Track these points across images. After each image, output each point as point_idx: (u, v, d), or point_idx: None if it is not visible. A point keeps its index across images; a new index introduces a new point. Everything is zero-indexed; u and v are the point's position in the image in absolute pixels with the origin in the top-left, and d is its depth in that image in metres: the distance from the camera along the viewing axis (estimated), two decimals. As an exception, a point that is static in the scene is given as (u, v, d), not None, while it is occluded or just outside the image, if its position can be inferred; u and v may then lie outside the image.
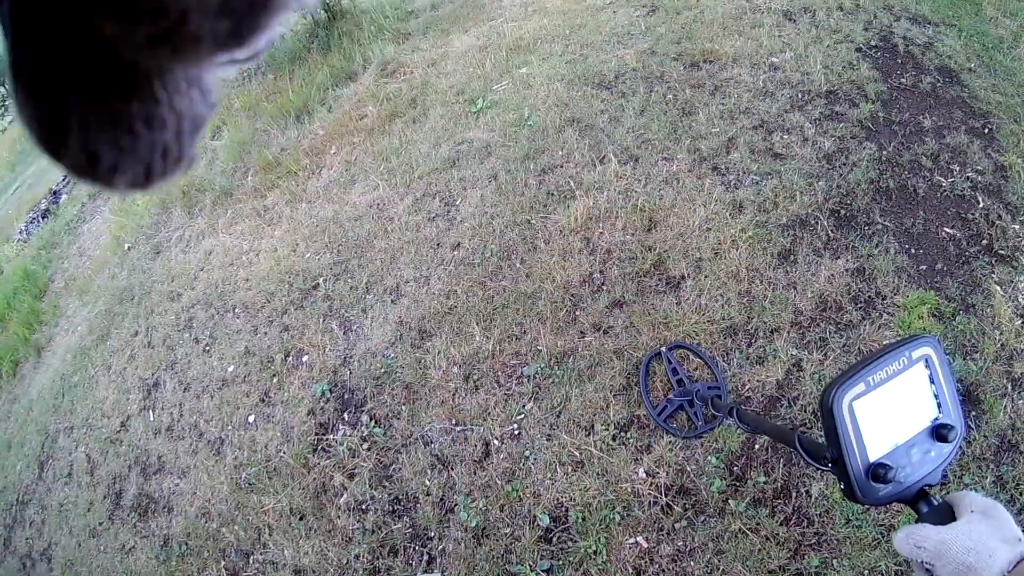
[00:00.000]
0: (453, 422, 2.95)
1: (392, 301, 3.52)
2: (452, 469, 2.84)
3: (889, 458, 0.85)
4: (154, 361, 4.22)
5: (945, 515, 0.82)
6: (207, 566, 3.09)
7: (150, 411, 3.97)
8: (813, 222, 3.13)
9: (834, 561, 2.31)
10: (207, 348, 4.01)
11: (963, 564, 0.77)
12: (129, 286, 5.01)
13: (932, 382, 0.87)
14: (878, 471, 0.82)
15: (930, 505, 0.84)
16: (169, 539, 3.32)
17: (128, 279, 5.10)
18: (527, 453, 2.77)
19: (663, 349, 2.84)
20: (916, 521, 0.84)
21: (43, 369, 5.15)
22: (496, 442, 2.85)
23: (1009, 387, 2.58)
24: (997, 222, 3.03)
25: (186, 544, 3.23)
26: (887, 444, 0.85)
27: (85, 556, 3.59)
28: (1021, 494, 2.35)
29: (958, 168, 3.25)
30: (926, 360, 0.87)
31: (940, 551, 0.79)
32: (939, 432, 0.85)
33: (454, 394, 3.03)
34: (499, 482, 2.74)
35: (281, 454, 3.23)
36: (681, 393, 2.70)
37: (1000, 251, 2.95)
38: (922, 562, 0.81)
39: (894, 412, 0.85)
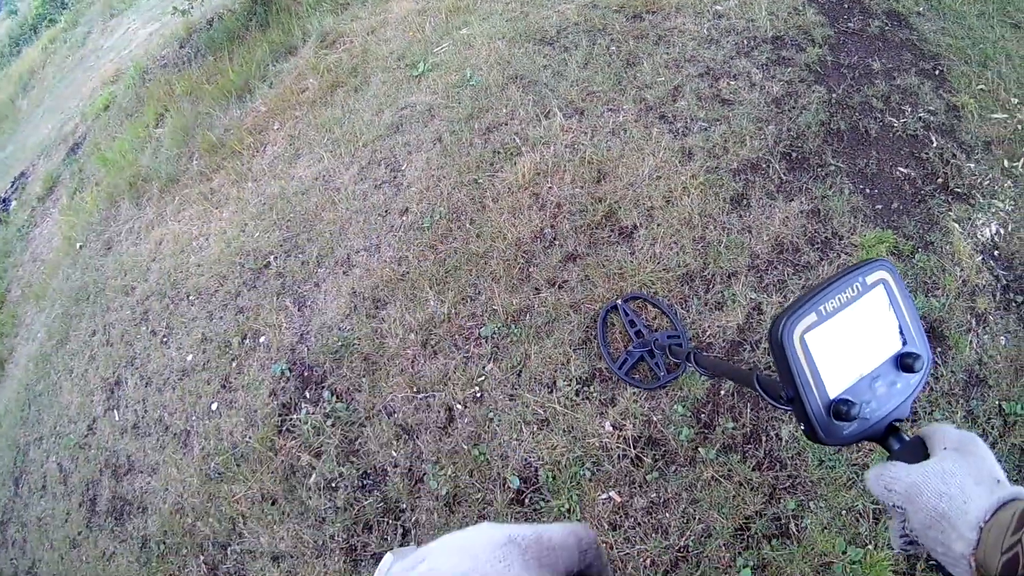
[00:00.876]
0: (414, 390, 2.89)
1: (344, 272, 3.43)
2: (417, 438, 2.79)
3: (851, 393, 0.76)
4: (114, 359, 4.12)
5: (919, 452, 0.75)
6: (187, 563, 3.04)
7: (115, 411, 3.88)
8: (765, 166, 3.08)
9: (811, 503, 2.30)
10: (165, 340, 3.91)
11: (935, 511, 0.69)
12: (84, 285, 4.88)
13: (892, 308, 0.79)
14: (840, 408, 0.74)
15: (902, 441, 0.77)
16: (147, 540, 3.26)
17: (82, 278, 4.97)
18: (491, 415, 2.72)
19: (619, 301, 2.79)
20: (888, 459, 0.77)
21: (7, 382, 5.04)
22: (459, 407, 2.79)
23: (973, 322, 2.57)
24: (952, 161, 3.00)
25: (164, 543, 3.17)
26: (848, 378, 0.77)
27: (68, 569, 3.52)
28: (993, 428, 2.35)
29: (910, 109, 3.21)
30: (883, 284, 0.78)
31: (910, 495, 0.72)
32: (904, 362, 0.77)
33: (413, 361, 2.96)
34: (465, 447, 2.69)
35: (247, 439, 3.15)
36: (640, 344, 2.65)
37: (956, 189, 2.92)
38: (894, 505, 0.74)
39: (852, 343, 0.76)
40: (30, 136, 9.10)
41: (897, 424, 0.78)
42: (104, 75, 8.13)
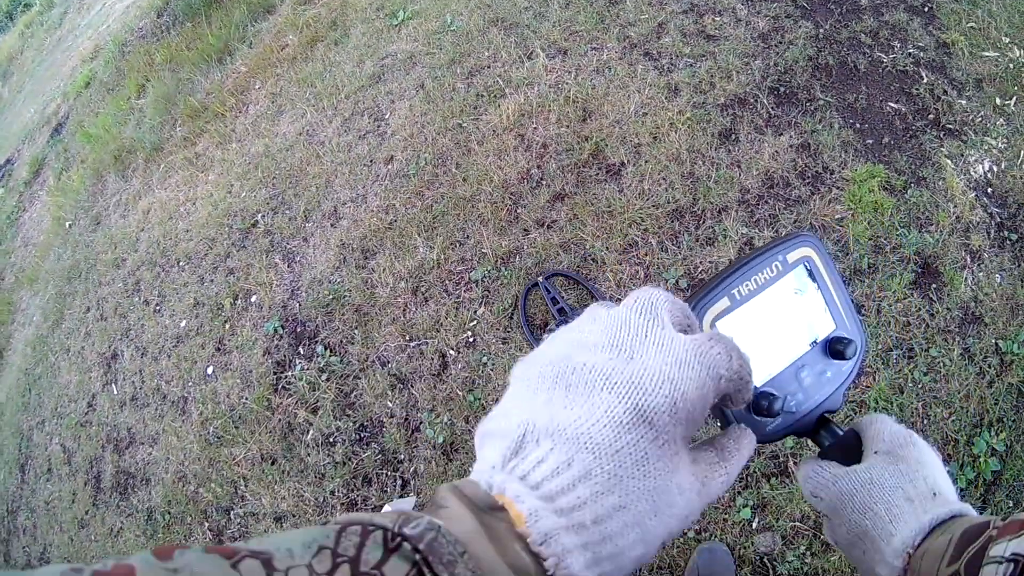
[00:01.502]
0: (407, 338, 2.84)
1: (332, 225, 3.37)
2: (412, 387, 2.74)
3: (773, 385, 0.66)
4: (109, 333, 4.08)
5: (853, 448, 0.69)
6: (192, 531, 3.02)
7: (113, 384, 3.85)
8: (752, 100, 2.99)
9: (807, 441, 2.23)
10: (158, 308, 3.87)
11: (858, 527, 0.61)
12: (75, 263, 4.83)
13: (818, 289, 0.69)
14: (760, 402, 0.62)
15: (834, 436, 0.69)
16: (152, 511, 3.24)
17: (73, 256, 4.92)
18: (484, 360, 2.67)
19: (540, 279, 2.71)
20: (819, 455, 0.71)
21: (7, 369, 5.02)
22: (452, 352, 2.74)
23: (968, 259, 2.50)
24: (943, 97, 2.90)
25: (169, 513, 3.15)
26: (769, 369, 0.66)
27: (79, 550, 3.51)
28: (990, 367, 2.28)
29: (899, 45, 3.10)
30: (806, 263, 0.68)
31: (835, 506, 0.64)
32: (834, 348, 0.67)
33: (404, 310, 2.91)
34: (460, 393, 2.65)
35: (244, 401, 3.12)
36: (562, 322, 2.56)
37: (948, 126, 2.83)
38: (822, 512, 0.68)
39: (773, 330, 0.66)
40: (13, 123, 8.98)
41: (829, 416, 0.70)
42: (83, 53, 7.99)
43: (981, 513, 0.60)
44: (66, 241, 5.19)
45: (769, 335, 0.66)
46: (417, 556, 0.34)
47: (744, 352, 0.46)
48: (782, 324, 0.67)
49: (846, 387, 0.69)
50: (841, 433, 0.69)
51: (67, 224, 5.34)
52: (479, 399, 2.60)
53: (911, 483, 0.61)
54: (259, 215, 3.71)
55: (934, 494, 0.60)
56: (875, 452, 0.65)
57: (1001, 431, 2.18)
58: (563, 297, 2.66)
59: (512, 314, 2.71)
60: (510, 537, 0.36)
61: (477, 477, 0.40)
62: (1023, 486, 2.09)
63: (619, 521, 0.37)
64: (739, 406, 0.49)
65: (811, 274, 0.68)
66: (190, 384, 3.41)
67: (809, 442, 0.71)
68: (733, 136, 2.91)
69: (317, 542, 0.33)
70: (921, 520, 0.57)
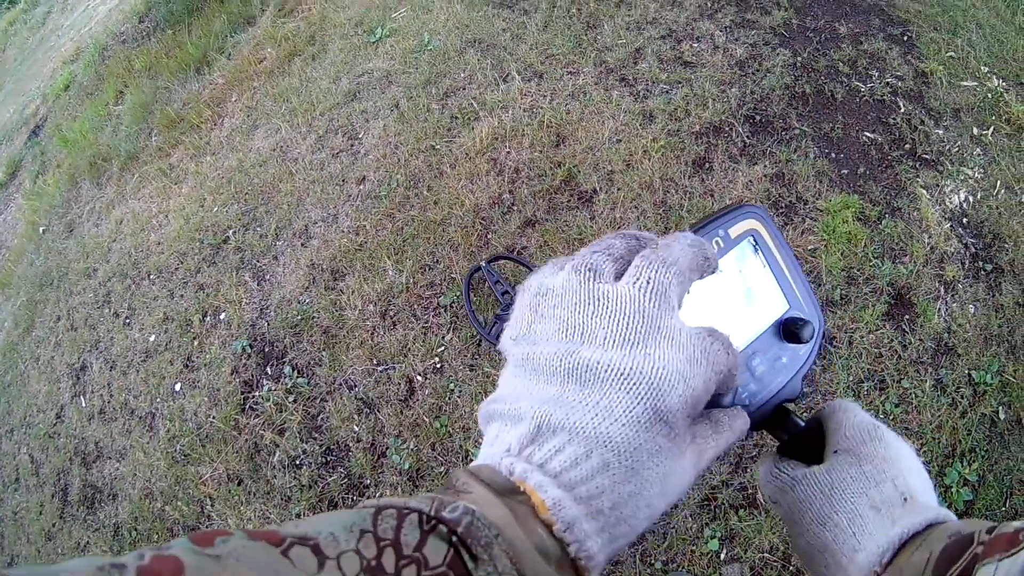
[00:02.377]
0: (374, 362, 2.82)
1: (302, 244, 3.34)
2: (379, 411, 2.72)
3: None
4: (79, 344, 4.02)
5: (816, 441, 0.61)
6: (158, 549, 2.98)
7: (82, 397, 3.78)
8: (727, 129, 3.00)
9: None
10: (127, 321, 3.81)
11: (817, 539, 0.53)
12: (47, 270, 4.75)
13: (766, 265, 0.60)
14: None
15: (795, 427, 0.59)
16: (119, 527, 3.19)
17: (45, 263, 4.84)
18: (451, 386, 2.65)
19: (482, 263, 2.68)
20: (778, 450, 0.63)
21: (-22, 378, 4.93)
22: (419, 378, 2.72)
23: (942, 290, 2.51)
24: (920, 127, 2.92)
25: (135, 529, 3.10)
26: None
27: (46, 562, 3.42)
28: (963, 398, 2.29)
29: (877, 74, 3.12)
30: (752, 237, 0.60)
31: (793, 515, 0.57)
32: (788, 330, 0.59)
33: (372, 333, 2.89)
34: (427, 419, 2.63)
35: (211, 419, 3.08)
36: (508, 305, 2.54)
37: (924, 155, 2.85)
38: (782, 518, 0.60)
39: (718, 314, 0.58)
40: (-8, 123, 8.86)
41: (788, 406, 0.60)
42: (64, 54, 7.88)
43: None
44: (39, 247, 5.11)
45: (713, 320, 0.53)
46: (454, 538, 0.35)
47: (735, 346, 0.45)
48: (727, 307, 0.59)
49: (804, 373, 0.61)
50: (802, 424, 0.60)
51: (41, 229, 5.25)
52: (445, 426, 2.58)
53: (877, 487, 0.53)
54: (230, 231, 3.67)
55: (905, 499, 0.52)
56: (836, 451, 0.57)
57: (973, 461, 2.19)
58: (507, 280, 2.65)
59: (480, 341, 2.70)
60: (534, 521, 0.38)
61: (491, 461, 0.41)
62: (996, 516, 2.09)
63: (633, 505, 0.39)
64: (727, 396, 0.48)
65: (758, 249, 0.60)
66: (158, 400, 3.36)
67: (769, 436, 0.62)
68: (707, 165, 2.91)
69: (357, 526, 0.34)
70: (889, 533, 0.49)
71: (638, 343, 0.40)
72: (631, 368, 0.39)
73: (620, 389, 0.39)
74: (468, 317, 2.65)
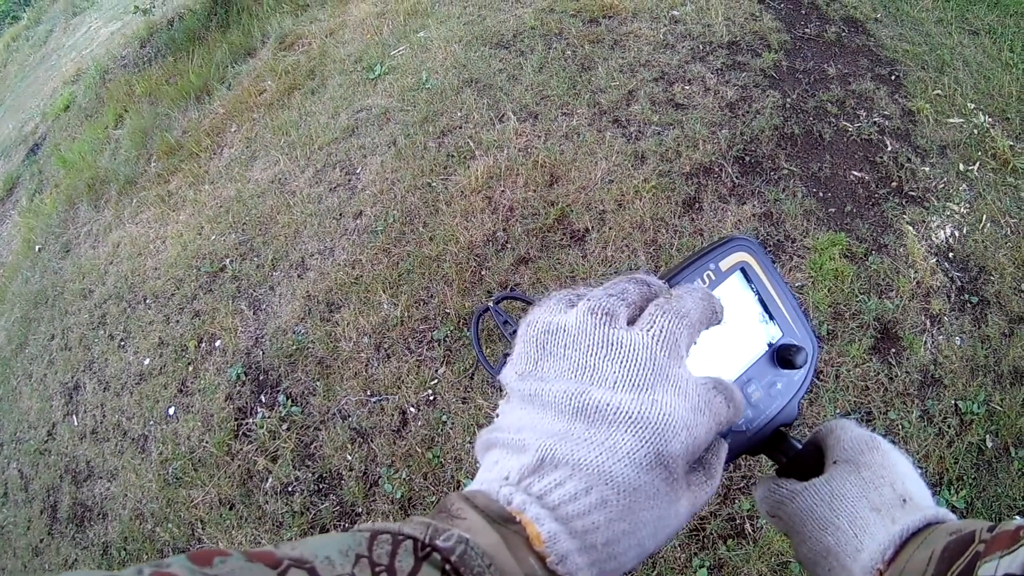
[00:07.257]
0: (368, 393, 2.80)
1: (299, 276, 3.32)
2: (372, 441, 2.70)
3: None
4: (72, 363, 3.96)
5: (813, 461, 0.62)
6: (148, 570, 2.92)
7: (74, 416, 3.72)
8: (717, 169, 3.03)
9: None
10: (122, 343, 3.76)
11: (820, 545, 0.54)
12: (42, 289, 4.68)
13: (757, 296, 0.61)
14: None
15: (792, 450, 0.61)
16: (108, 546, 3.12)
17: (41, 281, 4.77)
18: (444, 418, 2.64)
19: (490, 303, 2.69)
20: (776, 472, 0.63)
21: (-31, 391, 4.83)
22: (412, 410, 2.71)
23: (928, 323, 2.54)
24: (906, 164, 2.97)
25: (124, 549, 3.04)
26: None
27: None
28: (949, 428, 2.31)
29: (864, 113, 3.18)
30: (742, 270, 0.60)
31: (794, 525, 0.57)
32: (782, 357, 0.59)
33: (366, 365, 2.87)
34: (419, 450, 2.61)
35: (204, 444, 3.04)
36: None
37: (911, 192, 2.89)
38: (783, 531, 0.61)
39: (713, 345, 0.58)
40: (-9, 136, 8.75)
41: (785, 429, 0.61)
42: (65, 75, 7.83)
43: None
44: (35, 265, 5.04)
45: (709, 351, 0.57)
46: (447, 567, 0.34)
47: (738, 397, 0.46)
48: (722, 338, 0.59)
49: (800, 397, 0.61)
50: (799, 446, 0.61)
51: (36, 248, 5.19)
52: (438, 456, 2.57)
53: (876, 491, 0.53)
54: (227, 260, 3.64)
55: (904, 501, 0.52)
56: (835, 462, 0.58)
57: (961, 488, 2.20)
58: (515, 320, 2.64)
59: (473, 375, 2.70)
60: (526, 551, 0.37)
61: (487, 487, 0.41)
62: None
63: (625, 543, 0.40)
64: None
65: (749, 280, 0.61)
66: (151, 423, 3.31)
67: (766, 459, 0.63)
68: (697, 205, 2.94)
69: (353, 550, 0.34)
70: (890, 531, 0.49)
71: (647, 389, 0.41)
72: (639, 412, 0.40)
73: (626, 431, 0.39)
74: (478, 358, 2.64)
